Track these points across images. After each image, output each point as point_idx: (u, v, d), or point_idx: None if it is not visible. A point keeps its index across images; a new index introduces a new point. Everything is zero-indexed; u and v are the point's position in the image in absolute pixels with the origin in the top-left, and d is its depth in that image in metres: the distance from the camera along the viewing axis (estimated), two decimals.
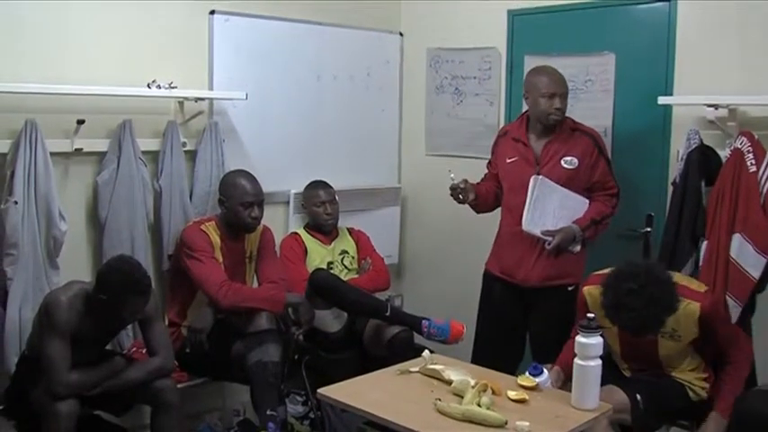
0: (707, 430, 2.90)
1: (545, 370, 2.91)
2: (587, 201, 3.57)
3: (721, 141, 3.53)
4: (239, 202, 3.62)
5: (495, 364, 3.16)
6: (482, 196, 3.76)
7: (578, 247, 3.54)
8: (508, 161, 3.68)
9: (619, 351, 3.13)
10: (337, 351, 3.88)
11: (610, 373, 3.07)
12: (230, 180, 3.71)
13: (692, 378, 3.04)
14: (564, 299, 3.52)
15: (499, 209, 3.82)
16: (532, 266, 3.59)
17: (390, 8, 4.94)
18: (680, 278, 3.02)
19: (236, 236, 3.71)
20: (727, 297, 3.30)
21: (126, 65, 3.71)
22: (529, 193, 3.48)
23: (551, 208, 3.51)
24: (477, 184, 3.80)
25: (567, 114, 3.66)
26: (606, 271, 3.02)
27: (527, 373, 2.89)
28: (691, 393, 3.04)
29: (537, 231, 3.50)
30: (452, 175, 3.61)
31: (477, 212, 3.84)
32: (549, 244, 3.49)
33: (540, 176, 3.51)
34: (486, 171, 3.89)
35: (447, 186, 3.67)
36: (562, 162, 3.54)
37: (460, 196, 3.65)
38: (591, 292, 3.02)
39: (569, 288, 3.54)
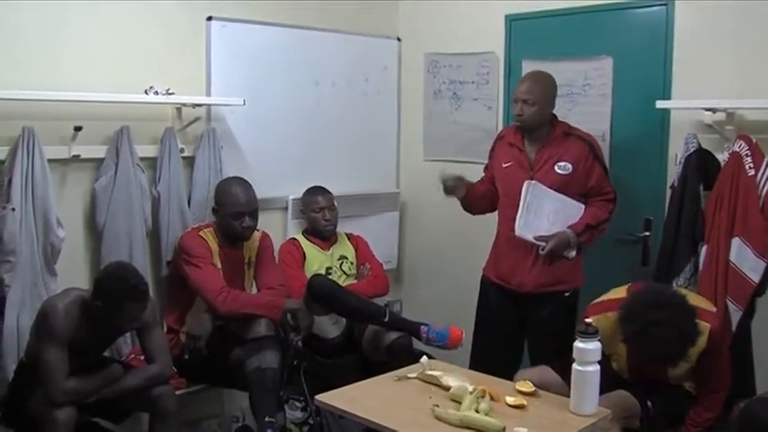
0: None
1: None
2: (583, 206, 3.56)
3: (719, 145, 3.53)
4: (230, 213, 3.61)
5: (492, 369, 3.16)
6: (477, 197, 3.76)
7: (573, 253, 3.51)
8: (504, 166, 3.68)
9: (628, 376, 3.07)
10: (336, 357, 3.87)
11: (610, 376, 3.07)
12: (222, 189, 3.70)
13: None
14: (560, 305, 3.51)
15: (496, 212, 3.81)
16: (528, 272, 3.58)
17: (388, 13, 4.94)
18: (692, 297, 2.98)
19: (233, 242, 3.70)
20: (728, 301, 3.29)
21: (123, 71, 3.71)
22: (521, 198, 3.47)
23: (545, 213, 3.49)
24: (474, 184, 3.80)
25: (563, 119, 3.66)
26: (607, 298, 3.01)
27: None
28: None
29: (530, 237, 3.48)
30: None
31: (473, 213, 3.83)
32: (542, 249, 3.47)
33: (533, 181, 3.50)
34: (483, 174, 3.88)
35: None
36: (556, 167, 3.53)
37: (448, 188, 3.70)
38: (597, 322, 2.82)
39: (566, 294, 3.53)
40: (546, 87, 3.55)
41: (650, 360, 2.85)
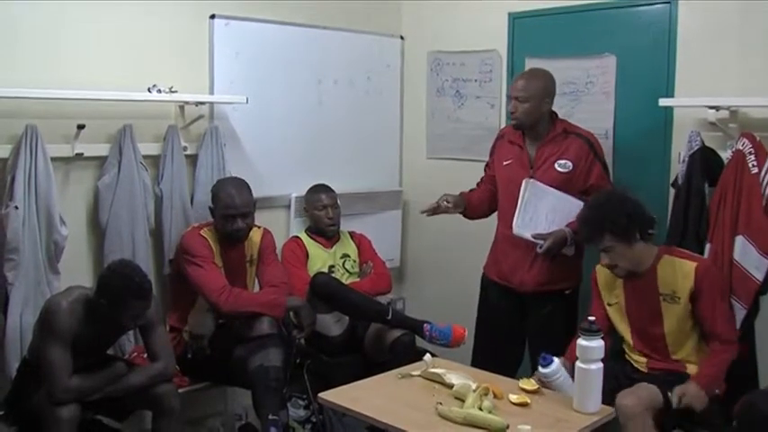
0: (687, 391, 2.87)
1: (555, 359, 2.91)
2: (583, 204, 3.54)
3: (723, 143, 3.52)
4: (221, 214, 3.60)
5: (493, 367, 3.17)
6: (473, 206, 3.76)
7: (572, 250, 3.51)
8: (504, 164, 3.68)
9: (629, 332, 3.14)
10: (339, 355, 3.87)
11: (621, 371, 3.08)
12: (216, 189, 3.67)
13: None
14: (561, 303, 3.50)
15: (496, 213, 3.81)
16: (528, 271, 3.58)
17: (391, 12, 4.94)
18: (677, 251, 3.13)
19: (231, 241, 3.69)
20: (732, 299, 3.28)
21: (126, 69, 3.71)
22: (520, 196, 3.47)
23: (544, 211, 3.49)
24: (470, 191, 3.81)
25: (566, 117, 3.66)
26: None
27: (539, 367, 2.89)
28: None
29: (527, 235, 3.48)
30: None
31: (469, 219, 3.83)
32: (540, 247, 3.47)
33: (531, 179, 3.50)
34: (484, 173, 3.88)
35: (448, 190, 3.68)
36: (556, 165, 3.52)
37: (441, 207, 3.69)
38: (600, 271, 3.17)
39: (566, 292, 3.52)
40: (541, 84, 3.54)
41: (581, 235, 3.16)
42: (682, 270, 2.98)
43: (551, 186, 3.51)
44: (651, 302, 3.04)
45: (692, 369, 3.03)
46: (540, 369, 2.89)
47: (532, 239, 3.48)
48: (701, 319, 3.01)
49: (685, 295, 2.98)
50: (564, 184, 3.52)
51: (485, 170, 3.89)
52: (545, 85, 3.55)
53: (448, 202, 3.66)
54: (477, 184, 3.88)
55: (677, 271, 2.99)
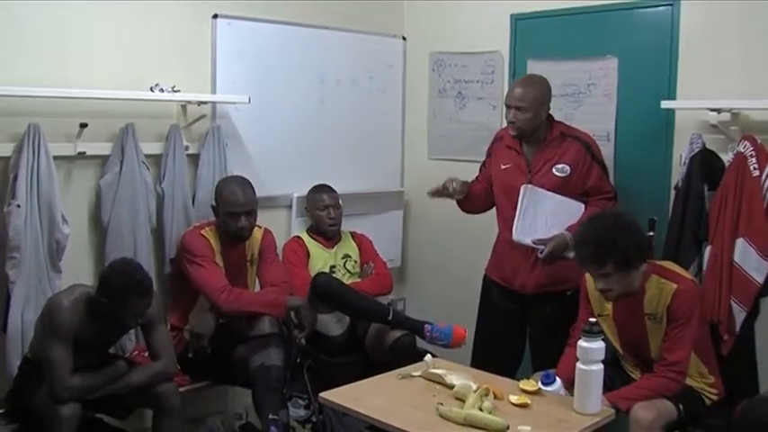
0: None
1: (558, 378, 2.90)
2: (583, 205, 3.54)
3: (724, 146, 3.53)
4: (225, 212, 3.61)
5: (494, 368, 3.16)
6: (473, 197, 3.75)
7: (573, 253, 3.50)
8: (502, 167, 3.67)
9: (618, 343, 3.14)
10: (339, 355, 3.87)
11: (618, 377, 3.08)
12: (221, 187, 3.70)
13: (702, 384, 3.05)
14: (563, 304, 3.50)
15: (493, 210, 3.80)
16: (529, 274, 3.58)
17: (393, 12, 4.95)
18: (674, 266, 3.07)
19: (233, 240, 3.70)
20: (732, 302, 3.29)
21: (129, 68, 3.72)
22: (518, 203, 3.47)
23: (543, 216, 3.48)
24: (472, 182, 3.80)
25: (568, 119, 3.66)
26: None
27: (539, 383, 2.88)
28: (706, 399, 3.05)
29: (528, 241, 3.48)
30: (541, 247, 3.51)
31: (465, 211, 3.83)
32: (541, 252, 3.47)
33: (530, 185, 3.50)
34: (479, 172, 3.88)
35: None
36: (553, 170, 3.52)
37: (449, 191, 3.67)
38: (590, 279, 3.07)
39: (568, 293, 3.53)
40: (539, 91, 3.51)
41: (581, 263, 2.97)
42: (663, 291, 2.93)
43: (550, 191, 3.51)
44: (637, 321, 3.01)
45: (689, 381, 3.01)
46: (542, 387, 2.87)
47: (533, 245, 3.48)
48: (664, 338, 2.96)
49: (664, 316, 2.94)
50: (562, 187, 3.52)
51: (480, 169, 3.88)
52: (542, 93, 3.53)
53: (455, 184, 3.65)
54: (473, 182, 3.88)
55: (660, 292, 2.94)
